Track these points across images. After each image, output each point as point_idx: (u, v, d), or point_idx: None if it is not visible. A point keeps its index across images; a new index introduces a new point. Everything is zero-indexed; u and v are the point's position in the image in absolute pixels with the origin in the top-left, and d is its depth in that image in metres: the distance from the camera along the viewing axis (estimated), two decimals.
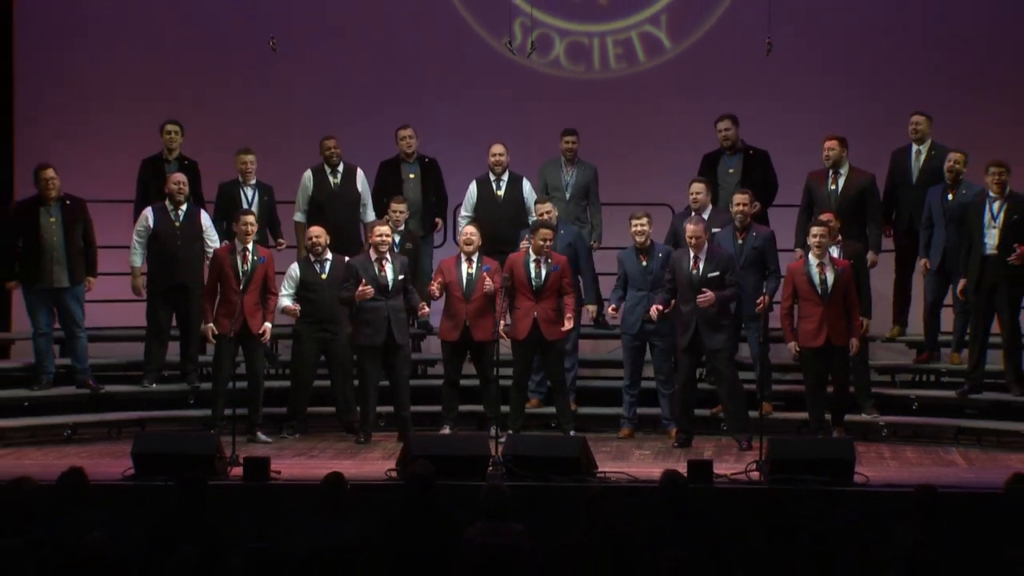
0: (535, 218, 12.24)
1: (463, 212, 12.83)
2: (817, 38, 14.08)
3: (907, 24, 14.09)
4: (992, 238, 11.62)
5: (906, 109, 12.81)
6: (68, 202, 12.20)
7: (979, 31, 13.98)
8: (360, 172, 12.93)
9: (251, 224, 11.87)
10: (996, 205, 11.63)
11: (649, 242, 11.98)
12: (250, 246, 11.85)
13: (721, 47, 14.18)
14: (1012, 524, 8.18)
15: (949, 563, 7.77)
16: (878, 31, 14.10)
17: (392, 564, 7.82)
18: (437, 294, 11.88)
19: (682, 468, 9.44)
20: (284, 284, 12.05)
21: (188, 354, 12.56)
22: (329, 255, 12.04)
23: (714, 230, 11.99)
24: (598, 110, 14.03)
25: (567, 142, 12.93)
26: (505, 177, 12.81)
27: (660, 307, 11.55)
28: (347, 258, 12.03)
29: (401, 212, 12.39)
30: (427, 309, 12.00)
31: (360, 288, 11.64)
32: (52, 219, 12.13)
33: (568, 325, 11.80)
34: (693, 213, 12.12)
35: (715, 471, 9.85)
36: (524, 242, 12.04)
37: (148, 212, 12.43)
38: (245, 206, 12.53)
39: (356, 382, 12.07)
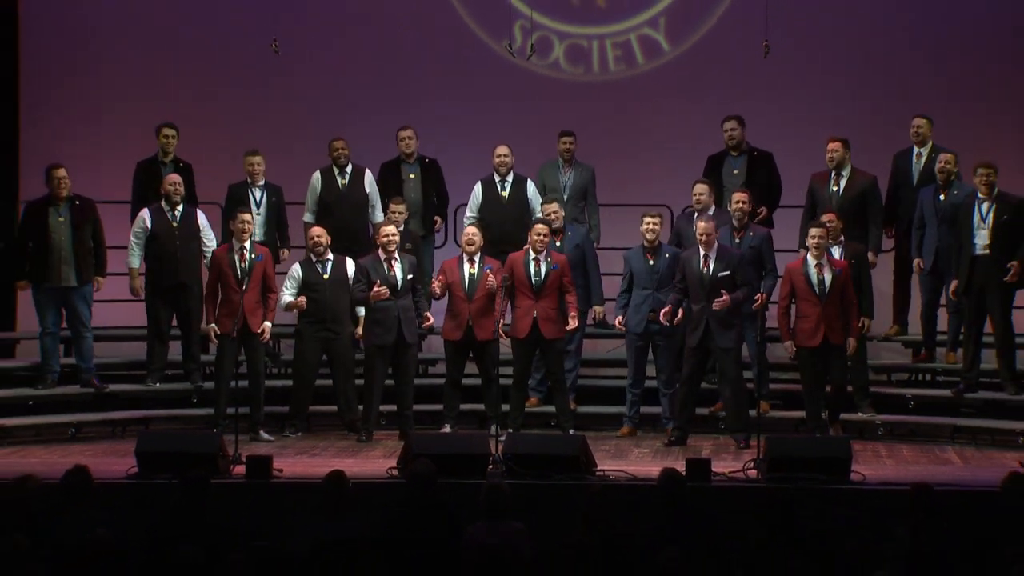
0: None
1: (468, 213, 12.87)
2: (814, 40, 14.12)
3: (904, 25, 14.13)
4: (982, 238, 11.68)
5: (903, 111, 12.88)
6: (77, 202, 12.29)
7: (979, 32, 14.01)
8: (368, 173, 12.96)
9: (247, 222, 11.93)
10: (985, 206, 11.70)
11: (658, 242, 12.05)
12: (247, 244, 11.91)
13: (719, 49, 14.23)
14: (1008, 522, 8.23)
15: (945, 561, 7.86)
16: (876, 32, 14.13)
17: (393, 561, 7.87)
18: (439, 292, 11.95)
19: (680, 467, 9.51)
20: (286, 284, 12.11)
21: (191, 353, 12.62)
22: (331, 255, 12.10)
23: None
24: (597, 112, 14.09)
25: (564, 143, 12.99)
26: (510, 178, 12.85)
27: (667, 314, 11.58)
28: (348, 258, 12.11)
29: (400, 213, 12.45)
30: (431, 320, 12.08)
31: (376, 289, 11.72)
32: (61, 219, 12.22)
33: (572, 324, 11.88)
34: (696, 214, 12.16)
35: (713, 469, 9.89)
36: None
37: (145, 213, 12.49)
38: (254, 207, 12.63)
39: (361, 380, 12.13)
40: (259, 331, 11.85)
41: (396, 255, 11.87)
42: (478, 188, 12.90)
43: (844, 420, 11.77)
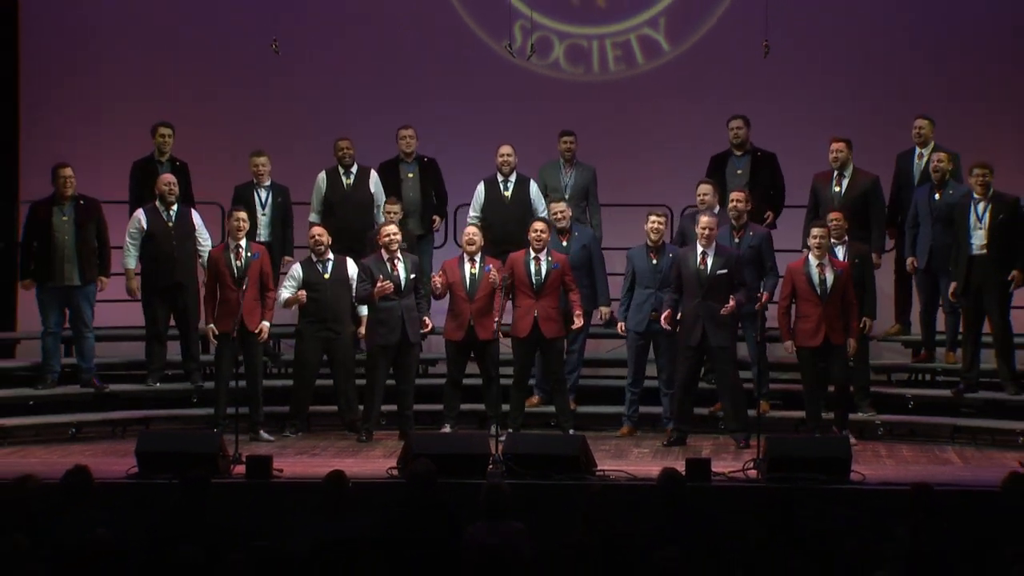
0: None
1: (471, 213, 12.86)
2: (814, 40, 14.12)
3: (904, 25, 14.14)
4: (979, 239, 11.69)
5: (903, 111, 12.89)
6: (82, 202, 12.31)
7: (979, 32, 14.02)
8: (374, 173, 12.95)
9: (243, 220, 11.92)
10: (981, 206, 11.70)
11: (662, 241, 12.05)
12: (243, 243, 11.90)
13: (719, 49, 14.23)
14: (1008, 522, 8.24)
15: (945, 561, 7.86)
16: (876, 32, 14.14)
17: (393, 561, 7.88)
18: (440, 287, 11.93)
19: (680, 466, 9.52)
20: (286, 283, 12.11)
21: (190, 353, 12.63)
22: (331, 255, 12.10)
23: None
24: (597, 112, 14.09)
25: (565, 142, 12.98)
26: (513, 178, 12.84)
27: (667, 319, 11.56)
28: (349, 259, 12.11)
29: (395, 213, 12.43)
30: (430, 325, 12.08)
31: (379, 284, 11.72)
32: (65, 218, 12.24)
33: (578, 323, 11.87)
34: (699, 214, 12.14)
35: (713, 469, 9.90)
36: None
37: (140, 214, 12.48)
38: (259, 207, 12.63)
39: (361, 380, 12.13)
40: (256, 331, 11.85)
41: (399, 254, 11.88)
42: (481, 188, 12.89)
43: None
